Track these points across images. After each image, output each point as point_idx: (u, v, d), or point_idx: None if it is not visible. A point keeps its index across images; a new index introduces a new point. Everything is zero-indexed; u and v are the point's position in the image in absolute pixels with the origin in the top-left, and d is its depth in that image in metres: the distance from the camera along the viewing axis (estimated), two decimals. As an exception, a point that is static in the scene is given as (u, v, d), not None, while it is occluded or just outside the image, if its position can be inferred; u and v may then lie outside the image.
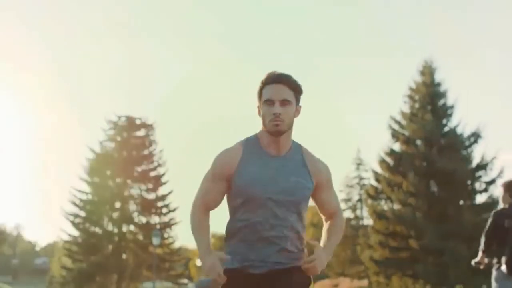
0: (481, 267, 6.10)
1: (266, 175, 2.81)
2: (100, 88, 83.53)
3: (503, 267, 5.86)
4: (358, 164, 42.91)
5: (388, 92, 70.78)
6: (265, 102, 2.83)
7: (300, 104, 2.92)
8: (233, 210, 2.90)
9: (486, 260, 6.05)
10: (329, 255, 2.93)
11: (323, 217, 3.07)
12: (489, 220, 6.11)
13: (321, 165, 2.94)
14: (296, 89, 2.86)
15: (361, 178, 42.66)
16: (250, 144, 2.90)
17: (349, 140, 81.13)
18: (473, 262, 6.26)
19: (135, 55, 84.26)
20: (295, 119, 2.90)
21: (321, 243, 2.97)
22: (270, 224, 2.80)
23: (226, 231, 2.94)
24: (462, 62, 71.36)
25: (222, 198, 2.94)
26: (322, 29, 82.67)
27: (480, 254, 6.09)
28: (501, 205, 6.22)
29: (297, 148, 2.93)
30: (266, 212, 2.80)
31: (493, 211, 6.27)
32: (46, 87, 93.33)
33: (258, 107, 2.90)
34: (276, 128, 2.79)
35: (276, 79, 2.83)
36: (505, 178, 19.95)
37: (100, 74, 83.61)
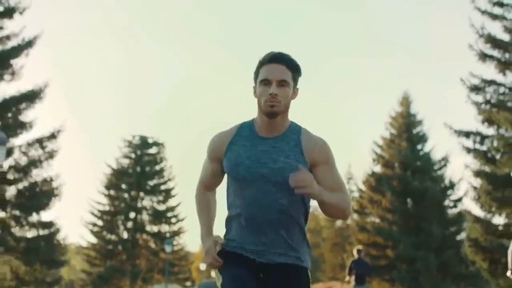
0: (349, 282, 13.15)
1: (252, 156, 2.75)
2: (100, 91, 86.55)
3: (353, 283, 13.18)
4: (349, 179, 47.95)
5: (384, 98, 74.82)
6: (261, 82, 2.74)
7: (297, 86, 2.82)
8: (227, 195, 2.89)
9: (351, 279, 13.27)
10: (321, 191, 2.63)
11: None
12: (349, 263, 13.45)
13: (317, 142, 2.78)
14: (295, 70, 2.78)
15: (351, 191, 47.61)
16: (244, 126, 2.85)
17: (345, 147, 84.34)
18: (345, 279, 13.48)
19: (135, 59, 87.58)
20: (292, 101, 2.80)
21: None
22: (259, 207, 2.72)
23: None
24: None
25: (218, 179, 2.97)
26: (323, 33, 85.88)
27: (347, 276, 13.35)
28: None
29: (296, 129, 2.81)
30: (254, 194, 2.73)
31: (351, 260, 13.45)
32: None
33: (254, 87, 2.81)
34: (272, 110, 2.70)
35: (274, 59, 2.75)
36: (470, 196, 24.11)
37: (99, 77, 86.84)
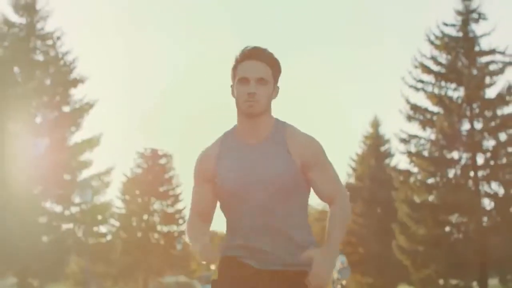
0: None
1: (243, 167, 2.72)
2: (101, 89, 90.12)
3: None
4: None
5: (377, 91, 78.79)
6: (239, 80, 2.68)
7: (278, 85, 2.76)
8: (223, 213, 2.84)
9: None
10: (332, 256, 2.68)
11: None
12: None
13: (305, 140, 2.76)
14: (275, 67, 2.73)
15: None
16: (228, 137, 2.80)
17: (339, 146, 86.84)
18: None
19: (138, 49, 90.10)
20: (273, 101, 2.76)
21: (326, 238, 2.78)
22: (254, 217, 2.70)
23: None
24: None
25: (213, 202, 2.86)
26: (317, 18, 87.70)
27: None
28: None
29: (280, 129, 2.77)
30: (248, 206, 2.71)
31: None
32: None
33: (231, 86, 2.75)
34: (250, 110, 2.67)
35: (252, 55, 2.69)
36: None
37: (101, 74, 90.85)
